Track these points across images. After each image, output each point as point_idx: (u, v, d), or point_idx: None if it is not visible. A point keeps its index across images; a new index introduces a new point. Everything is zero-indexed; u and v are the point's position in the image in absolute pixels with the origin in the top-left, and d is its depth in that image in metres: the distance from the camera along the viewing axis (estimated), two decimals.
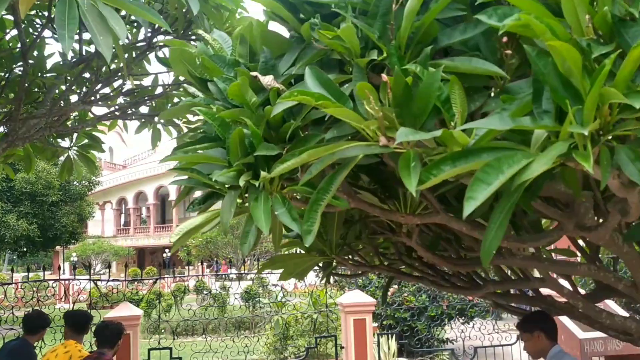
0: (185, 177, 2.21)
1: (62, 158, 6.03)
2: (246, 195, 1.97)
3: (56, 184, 21.14)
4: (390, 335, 8.05)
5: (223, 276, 19.45)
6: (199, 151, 2.03)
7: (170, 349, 6.21)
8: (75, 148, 5.72)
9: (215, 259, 29.71)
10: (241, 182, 1.86)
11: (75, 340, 4.37)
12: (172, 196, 56.29)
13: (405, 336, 7.98)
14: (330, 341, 6.98)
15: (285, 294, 15.35)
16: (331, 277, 3.52)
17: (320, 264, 3.47)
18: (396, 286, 9.57)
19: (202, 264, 41.89)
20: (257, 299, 15.72)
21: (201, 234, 21.22)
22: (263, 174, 1.84)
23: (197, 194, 2.46)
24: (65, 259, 37.00)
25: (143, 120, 5.70)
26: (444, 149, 1.62)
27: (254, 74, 2.05)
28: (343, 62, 1.96)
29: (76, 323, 4.39)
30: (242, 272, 27.06)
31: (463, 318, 9.95)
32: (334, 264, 3.39)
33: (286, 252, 3.52)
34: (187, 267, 44.88)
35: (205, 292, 18.47)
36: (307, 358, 6.63)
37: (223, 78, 2.11)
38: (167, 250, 48.11)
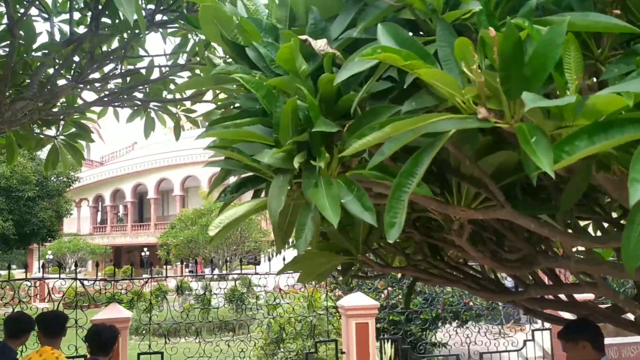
0: (221, 158, 1.87)
1: (44, 150, 5.63)
2: (295, 180, 1.64)
3: (32, 179, 20.35)
4: (385, 340, 7.77)
5: (204, 277, 18.98)
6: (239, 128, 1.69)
7: (162, 353, 5.83)
8: (62, 137, 5.30)
9: (194, 258, 29.19)
10: (295, 164, 1.53)
11: (52, 345, 3.95)
12: (151, 194, 55.46)
13: (398, 341, 7.71)
14: (328, 346, 6.66)
15: (270, 296, 15.00)
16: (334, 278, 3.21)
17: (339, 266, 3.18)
18: (390, 288, 9.29)
19: (181, 264, 40.98)
20: (242, 300, 15.34)
21: (182, 232, 20.62)
22: (323, 154, 1.52)
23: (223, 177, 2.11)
24: (41, 257, 36.07)
25: (136, 107, 5.31)
26: (557, 123, 1.31)
27: (303, 37, 1.72)
28: (415, 22, 1.65)
29: (49, 326, 3.97)
30: (226, 272, 26.56)
31: (457, 321, 9.73)
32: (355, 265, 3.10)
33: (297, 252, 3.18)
34: (164, 267, 44.22)
35: (187, 292, 18.01)
36: None
37: (264, 43, 1.78)
38: (145, 249, 47.31)
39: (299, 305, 7.33)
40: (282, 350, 8.23)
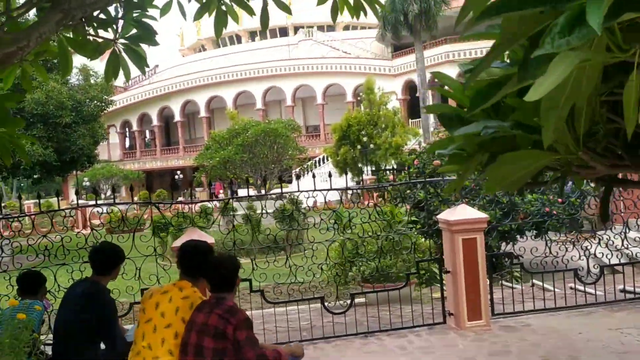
0: None
1: (73, 76, 4.87)
2: None
3: (68, 105, 19.63)
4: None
5: (250, 197, 18.50)
6: None
7: (250, 280, 5.34)
8: (122, 40, 4.52)
9: (231, 178, 28.89)
10: None
11: (192, 282, 3.32)
12: (177, 117, 54.97)
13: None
14: (431, 265, 6.09)
15: (307, 212, 14.54)
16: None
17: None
18: (466, 199, 8.64)
19: (209, 186, 40.45)
20: (293, 218, 14.90)
21: (218, 152, 19.96)
22: None
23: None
24: (78, 184, 36.28)
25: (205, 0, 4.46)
26: None
27: None
28: None
29: (192, 263, 3.31)
30: (267, 192, 26.34)
31: (536, 231, 9.12)
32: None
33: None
34: (195, 189, 44.35)
35: (232, 213, 17.63)
36: (406, 285, 5.74)
37: None
38: (178, 172, 47.38)
39: (377, 224, 6.68)
40: (357, 267, 7.74)
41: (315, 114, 51.58)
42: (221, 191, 36.13)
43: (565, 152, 2.19)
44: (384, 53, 51.80)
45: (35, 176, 21.28)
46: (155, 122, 56.49)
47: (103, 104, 22.94)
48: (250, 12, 4.51)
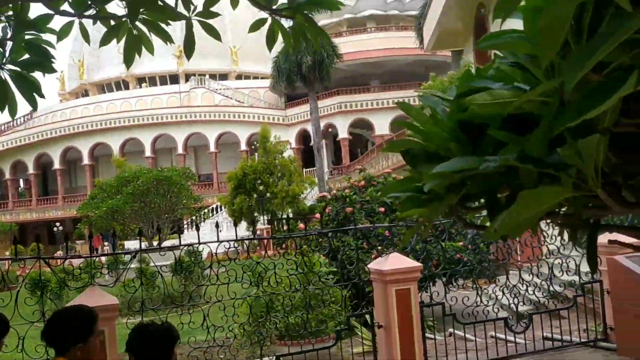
0: None
1: None
2: None
3: None
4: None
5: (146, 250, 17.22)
6: None
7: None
8: (11, 66, 3.77)
9: (111, 230, 26.99)
10: None
11: None
12: (57, 165, 51.44)
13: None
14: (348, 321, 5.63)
15: (204, 263, 13.82)
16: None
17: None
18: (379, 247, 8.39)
19: (95, 237, 38.25)
20: (190, 272, 13.95)
21: (105, 202, 18.55)
22: None
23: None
24: None
25: (114, 23, 3.85)
26: None
27: None
28: None
29: (66, 335, 2.56)
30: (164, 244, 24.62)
31: (446, 279, 9.00)
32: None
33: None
34: (75, 242, 41.20)
35: (121, 267, 16.25)
36: (337, 343, 5.19)
37: None
38: (57, 224, 43.92)
39: (289, 274, 6.15)
40: (271, 323, 7.12)
41: (208, 163, 50.50)
42: (106, 244, 33.77)
43: (587, 188, 1.87)
44: (278, 103, 52.27)
45: None
46: (31, 170, 52.44)
47: None
48: (168, 38, 3.99)
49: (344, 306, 6.34)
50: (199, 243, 6.07)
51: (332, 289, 7.50)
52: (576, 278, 5.73)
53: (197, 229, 5.37)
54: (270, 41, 3.42)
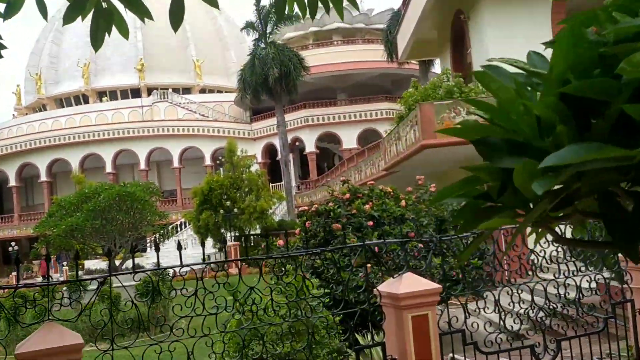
0: None
1: None
2: None
3: None
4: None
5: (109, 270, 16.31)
6: None
7: None
8: None
9: (72, 249, 25.65)
10: None
11: None
12: (12, 182, 49.27)
13: None
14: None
15: (171, 283, 12.82)
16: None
17: None
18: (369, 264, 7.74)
19: (41, 261, 36.18)
20: (159, 293, 12.95)
21: (64, 219, 17.47)
22: None
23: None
24: None
25: None
26: None
27: None
28: None
29: None
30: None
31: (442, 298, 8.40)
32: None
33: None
34: (31, 262, 39.29)
35: (82, 289, 15.13)
36: None
37: None
38: (12, 244, 41.86)
39: (279, 295, 5.43)
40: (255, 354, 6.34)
41: (171, 178, 49.16)
42: (65, 264, 32.13)
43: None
44: (243, 117, 51.44)
45: None
46: None
47: None
48: (147, 14, 3.26)
49: (338, 333, 5.65)
50: (171, 267, 5.34)
51: (322, 312, 6.78)
52: (593, 298, 5.19)
53: (157, 249, 4.50)
54: (281, 11, 2.72)
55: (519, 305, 4.55)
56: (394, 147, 14.75)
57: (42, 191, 49.17)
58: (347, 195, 9.34)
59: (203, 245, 4.46)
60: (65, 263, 33.01)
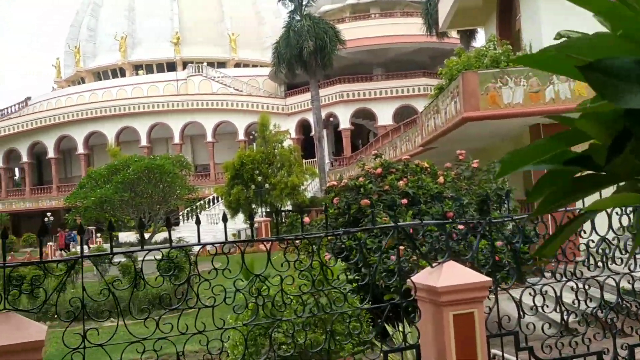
0: None
1: None
2: None
3: None
4: None
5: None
6: None
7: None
8: None
9: (106, 221, 25.56)
10: None
11: None
12: (51, 153, 49.95)
13: None
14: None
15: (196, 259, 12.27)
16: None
17: None
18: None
19: (60, 233, 36.37)
20: (180, 270, 12.55)
21: (93, 191, 17.20)
22: None
23: None
24: None
25: None
26: None
27: None
28: None
29: None
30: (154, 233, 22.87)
31: None
32: None
33: None
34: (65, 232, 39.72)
35: (106, 262, 14.83)
36: None
37: None
38: (48, 214, 42.51)
39: (301, 277, 4.71)
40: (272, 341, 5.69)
41: (204, 153, 49.03)
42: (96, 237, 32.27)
43: None
44: (277, 92, 50.78)
45: None
46: (24, 158, 50.97)
47: None
48: None
49: (366, 321, 4.94)
50: (187, 245, 4.77)
51: (353, 300, 6.05)
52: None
53: (198, 223, 3.77)
54: None
55: (585, 304, 3.73)
56: (432, 121, 13.84)
57: (80, 163, 49.72)
58: (379, 170, 8.54)
59: (225, 220, 3.68)
60: (98, 233, 33.19)
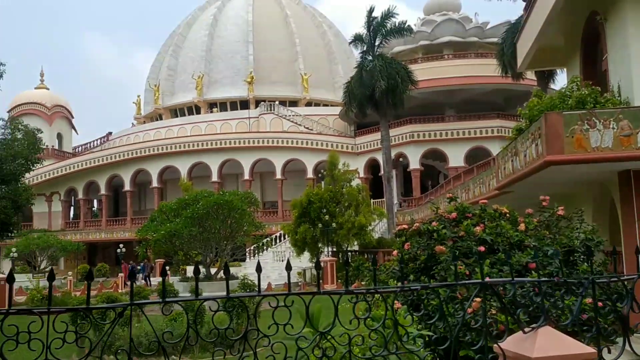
0: None
1: None
2: None
3: None
4: None
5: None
6: None
7: None
8: None
9: (175, 254, 25.98)
10: None
11: None
12: (127, 186, 51.92)
13: None
14: None
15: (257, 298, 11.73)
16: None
17: None
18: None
19: (123, 265, 37.10)
20: (243, 307, 12.26)
21: (163, 225, 17.31)
22: None
23: None
24: (5, 255, 32.47)
25: None
26: None
27: None
28: None
29: None
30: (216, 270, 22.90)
31: None
32: None
33: None
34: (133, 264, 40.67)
35: (172, 295, 14.82)
36: None
37: None
38: (120, 245, 43.84)
39: (366, 332, 4.25)
40: None
41: (273, 190, 49.47)
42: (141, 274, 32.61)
43: None
44: (347, 131, 50.87)
45: None
46: (103, 190, 53.21)
47: (28, 163, 19.98)
48: None
49: None
50: (246, 295, 4.32)
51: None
52: None
53: (259, 271, 3.39)
54: None
55: None
56: (509, 164, 13.13)
57: (153, 197, 51.29)
58: (454, 214, 7.98)
59: (289, 269, 3.13)
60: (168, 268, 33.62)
